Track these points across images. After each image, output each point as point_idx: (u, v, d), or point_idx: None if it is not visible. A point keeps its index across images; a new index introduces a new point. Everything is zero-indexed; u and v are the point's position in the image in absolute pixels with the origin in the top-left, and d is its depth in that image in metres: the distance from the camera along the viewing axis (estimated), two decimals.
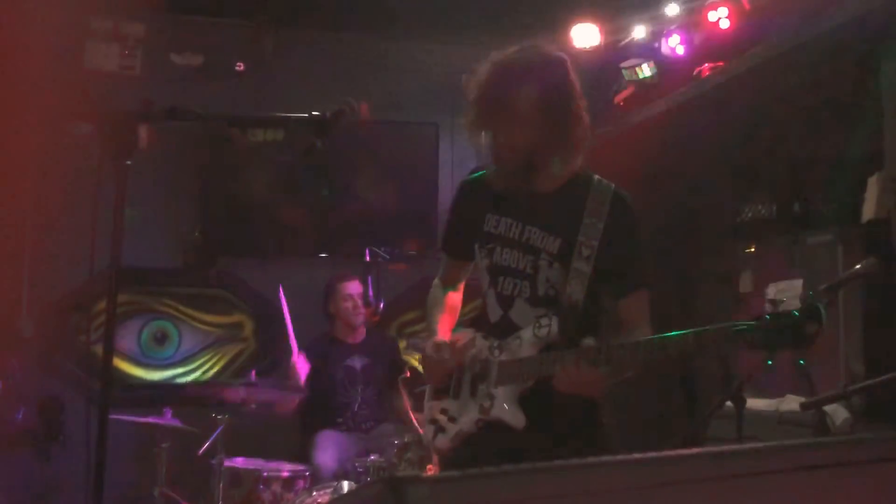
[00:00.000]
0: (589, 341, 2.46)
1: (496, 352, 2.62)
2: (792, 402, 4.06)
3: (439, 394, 2.76)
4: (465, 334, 2.73)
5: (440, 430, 2.70)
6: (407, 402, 4.60)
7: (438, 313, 2.83)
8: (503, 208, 2.66)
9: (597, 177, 2.65)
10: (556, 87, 2.53)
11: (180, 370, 6.20)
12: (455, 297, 2.91)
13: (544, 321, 2.54)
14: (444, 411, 2.70)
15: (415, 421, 4.52)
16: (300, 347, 5.23)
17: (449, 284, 2.91)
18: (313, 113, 2.37)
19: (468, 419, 2.63)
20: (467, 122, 2.61)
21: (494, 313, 2.67)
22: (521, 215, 2.63)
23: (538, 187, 2.62)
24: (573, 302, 2.53)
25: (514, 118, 2.51)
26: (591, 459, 1.07)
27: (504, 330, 2.63)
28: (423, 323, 3.71)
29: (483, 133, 2.60)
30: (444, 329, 2.79)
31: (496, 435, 2.57)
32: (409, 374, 4.82)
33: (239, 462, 4.66)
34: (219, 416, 4.63)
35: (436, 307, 2.86)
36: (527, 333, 2.58)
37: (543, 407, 2.54)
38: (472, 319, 2.85)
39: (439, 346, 2.68)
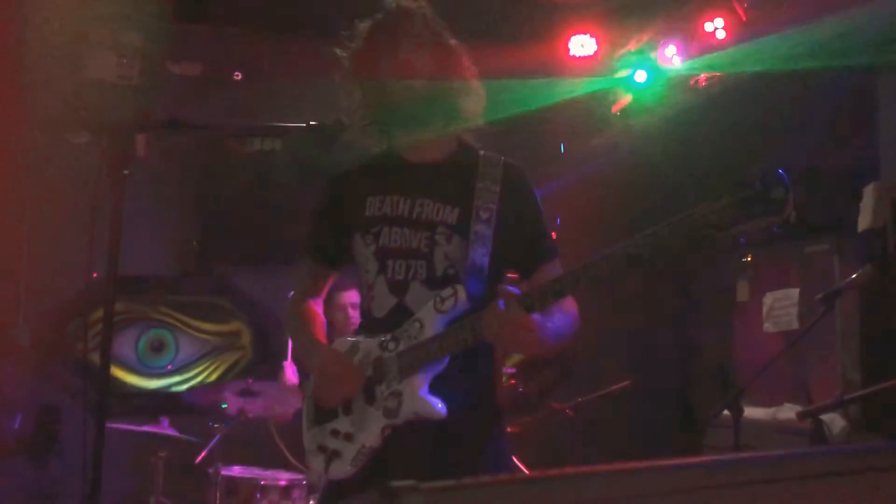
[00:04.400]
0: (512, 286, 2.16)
1: (391, 345, 2.28)
2: (789, 411, 4.07)
3: (321, 418, 2.37)
4: (342, 343, 2.39)
5: (334, 455, 2.31)
6: (281, 444, 4.38)
7: (312, 325, 2.47)
8: (387, 186, 2.39)
9: (483, 149, 2.44)
10: (438, 25, 2.43)
11: (177, 379, 6.19)
12: (320, 307, 2.56)
13: (446, 292, 2.23)
14: (334, 433, 2.33)
15: (294, 462, 4.35)
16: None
17: (310, 296, 2.55)
18: (311, 122, 2.37)
19: (370, 432, 2.26)
20: (351, 71, 2.45)
21: (384, 305, 2.33)
22: (408, 189, 2.36)
23: (425, 157, 2.41)
24: (478, 265, 2.26)
25: (411, 52, 2.35)
26: (587, 468, 1.07)
27: (398, 321, 2.29)
28: None
29: (364, 88, 2.42)
30: (323, 338, 2.46)
31: (412, 434, 2.23)
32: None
33: (236, 471, 4.64)
34: (216, 425, 4.62)
35: (305, 321, 2.48)
36: (426, 313, 2.25)
37: (454, 386, 2.25)
38: (355, 329, 2.52)
39: (337, 360, 2.35)
